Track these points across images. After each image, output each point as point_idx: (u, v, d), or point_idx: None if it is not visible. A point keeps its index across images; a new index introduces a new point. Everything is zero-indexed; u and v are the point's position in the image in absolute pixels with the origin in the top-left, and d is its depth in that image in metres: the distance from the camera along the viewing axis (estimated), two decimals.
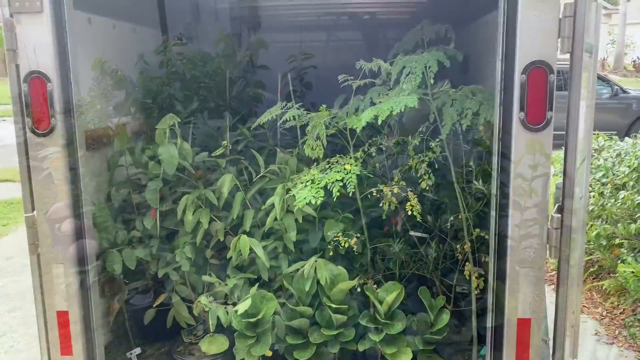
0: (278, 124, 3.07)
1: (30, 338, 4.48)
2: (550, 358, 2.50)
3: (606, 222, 5.32)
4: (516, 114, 2.25)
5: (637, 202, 4.79)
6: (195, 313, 2.88)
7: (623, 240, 5.04)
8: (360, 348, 2.72)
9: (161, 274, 2.90)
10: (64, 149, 2.42)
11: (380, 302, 2.66)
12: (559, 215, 2.33)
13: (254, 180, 2.99)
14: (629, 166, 5.12)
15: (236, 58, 3.68)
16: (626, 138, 6.22)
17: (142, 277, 3.14)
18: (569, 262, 2.40)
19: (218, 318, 2.72)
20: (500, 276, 2.39)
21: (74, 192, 2.46)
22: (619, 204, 5.18)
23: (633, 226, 4.86)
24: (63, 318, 2.56)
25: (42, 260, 2.50)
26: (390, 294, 2.68)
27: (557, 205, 2.39)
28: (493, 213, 2.38)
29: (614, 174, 5.50)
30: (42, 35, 2.34)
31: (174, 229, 2.97)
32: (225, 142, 3.33)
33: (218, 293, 2.94)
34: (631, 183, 5.07)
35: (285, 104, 2.78)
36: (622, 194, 5.04)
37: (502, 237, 2.36)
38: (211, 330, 2.75)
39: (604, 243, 5.26)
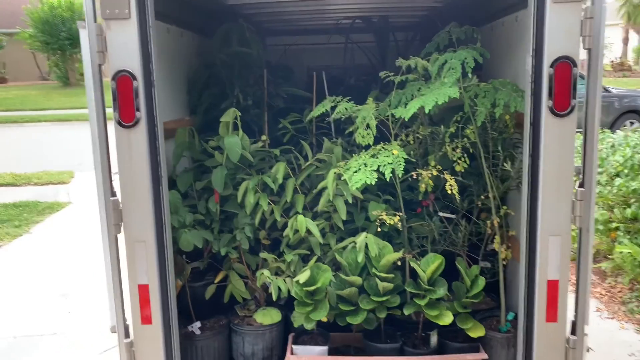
0: (310, 117, 3.42)
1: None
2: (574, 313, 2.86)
3: (602, 208, 5.75)
4: (545, 102, 2.62)
5: (632, 188, 5.22)
6: (258, 285, 3.20)
7: (619, 224, 5.47)
8: (406, 312, 3.07)
9: (223, 252, 3.21)
10: (147, 139, 2.74)
11: (424, 271, 3.02)
12: (582, 189, 2.71)
13: (303, 167, 3.33)
14: (623, 156, 5.56)
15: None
16: (618, 131, 6.67)
17: (200, 257, 3.46)
18: (589, 231, 2.78)
19: (279, 289, 3.05)
20: (532, 244, 2.75)
21: (154, 176, 2.77)
22: (614, 191, 5.61)
23: (629, 211, 5.29)
24: (144, 291, 2.86)
25: (127, 238, 2.80)
26: (432, 264, 3.04)
27: (578, 181, 2.77)
28: (525, 189, 2.74)
29: (608, 164, 5.93)
30: (129, 38, 2.65)
31: (233, 212, 3.29)
32: (264, 136, 3.67)
33: (273, 269, 3.27)
34: (625, 171, 5.50)
35: (334, 98, 3.12)
36: (617, 181, 5.47)
37: (533, 210, 2.73)
38: (274, 299, 3.07)
39: (601, 228, 5.68)
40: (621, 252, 5.18)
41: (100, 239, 3.18)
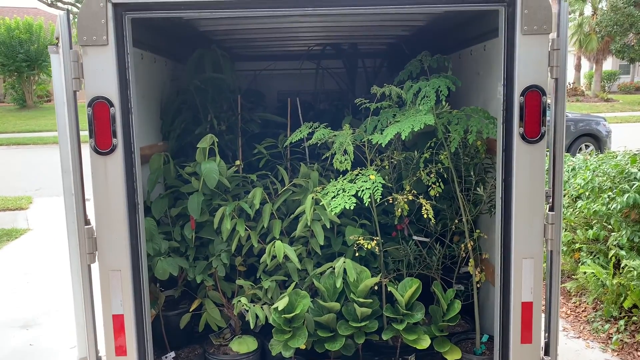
0: (288, 142, 3.45)
1: None
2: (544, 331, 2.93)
3: (565, 229, 5.93)
4: (516, 129, 2.72)
5: (593, 210, 5.40)
6: (235, 313, 3.16)
7: (582, 245, 5.65)
8: (385, 337, 3.09)
9: (199, 280, 3.17)
10: (123, 166, 2.70)
11: (402, 296, 3.04)
12: (553, 213, 2.81)
13: (280, 192, 3.33)
14: (584, 179, 5.76)
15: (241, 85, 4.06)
16: (578, 155, 6.91)
17: (175, 285, 3.40)
18: (559, 253, 2.88)
19: (256, 317, 3.02)
20: (506, 267, 2.83)
21: (130, 203, 2.72)
22: (576, 213, 5.80)
23: (590, 232, 5.46)
24: (119, 321, 2.79)
25: (101, 268, 2.74)
26: (409, 289, 3.07)
27: (547, 205, 2.87)
28: (498, 214, 2.82)
29: (570, 187, 6.13)
30: (107, 65, 2.63)
31: (209, 238, 3.26)
32: (238, 161, 3.67)
33: (249, 296, 3.24)
34: (587, 194, 5.70)
35: (312, 124, 3.16)
36: (579, 203, 5.65)
37: (506, 233, 2.80)
38: (251, 327, 3.04)
39: (565, 248, 5.85)
40: (585, 273, 5.33)
41: (66, 267, 3.11)
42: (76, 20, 2.67)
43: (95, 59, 2.63)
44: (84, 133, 2.62)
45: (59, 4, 26.75)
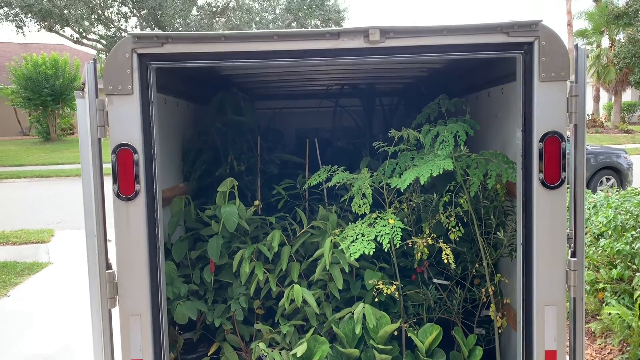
0: (306, 185, 3.48)
1: None
2: None
3: (588, 268, 5.82)
4: (536, 175, 2.71)
5: (616, 249, 5.30)
6: (252, 358, 3.14)
7: (606, 285, 5.53)
8: None
9: (217, 323, 3.16)
10: (145, 211, 2.74)
11: (422, 342, 3.00)
12: (575, 259, 2.77)
13: (298, 234, 3.34)
14: (606, 217, 5.68)
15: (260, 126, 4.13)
16: (599, 191, 6.82)
17: (193, 328, 3.40)
18: (582, 299, 2.82)
19: None
20: (528, 314, 2.78)
21: (152, 248, 2.75)
22: (599, 252, 5.70)
23: (614, 271, 5.35)
24: None
25: (121, 312, 2.76)
26: (429, 335, 3.03)
27: (569, 250, 2.83)
28: (520, 260, 2.79)
29: (591, 224, 6.04)
30: (131, 113, 2.70)
31: (228, 281, 3.26)
32: (257, 201, 3.70)
33: (267, 340, 3.22)
34: (609, 232, 5.61)
35: (330, 168, 3.19)
36: (602, 242, 5.56)
37: (528, 280, 2.77)
38: None
39: (588, 288, 5.73)
40: (610, 314, 5.20)
41: (87, 303, 3.13)
42: (102, 66, 2.76)
43: (120, 107, 2.70)
44: (107, 165, 2.67)
45: (85, 41, 27.58)
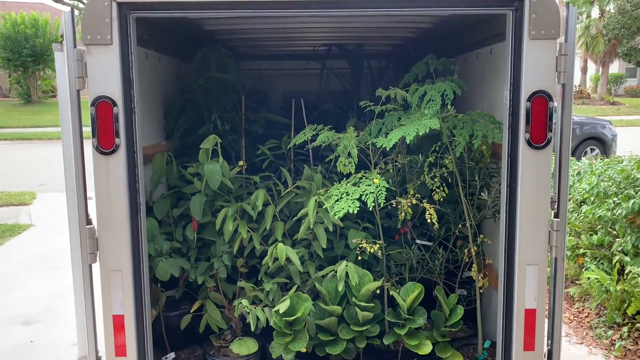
0: (291, 145, 3.43)
1: None
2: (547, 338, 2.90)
3: (570, 234, 5.89)
4: (522, 135, 2.69)
5: (597, 215, 5.36)
6: (235, 314, 3.14)
7: (586, 250, 5.61)
8: (386, 342, 3.06)
9: (200, 281, 3.15)
10: (126, 166, 2.68)
11: (404, 300, 3.02)
12: (558, 219, 2.78)
13: (283, 194, 3.31)
14: (589, 184, 5.72)
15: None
16: (583, 158, 6.86)
17: (175, 286, 3.38)
18: (563, 260, 2.85)
19: (257, 319, 3.00)
20: (510, 273, 2.80)
21: (133, 204, 2.71)
22: (581, 218, 5.76)
23: (595, 237, 5.42)
24: (119, 321, 2.78)
25: (102, 268, 2.73)
26: (411, 293, 3.05)
27: (553, 211, 2.84)
28: (503, 220, 2.79)
29: (574, 191, 6.10)
30: (111, 64, 2.62)
31: (211, 239, 3.24)
32: (241, 161, 3.65)
33: (250, 297, 3.22)
34: (592, 199, 5.66)
35: (316, 127, 3.14)
36: (584, 208, 5.62)
37: (511, 240, 2.78)
38: (252, 329, 3.02)
39: (569, 254, 5.81)
40: (589, 278, 5.29)
41: (69, 264, 3.09)
42: (81, 18, 2.65)
43: (99, 58, 2.61)
44: (87, 129, 2.61)
45: (65, 0, 26.80)
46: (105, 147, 2.66)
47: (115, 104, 2.64)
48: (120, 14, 2.59)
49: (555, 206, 2.83)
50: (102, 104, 2.63)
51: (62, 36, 2.83)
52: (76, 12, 2.68)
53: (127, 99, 2.66)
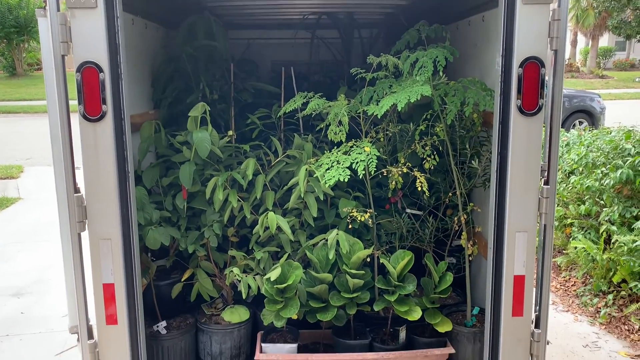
0: (281, 112, 3.40)
1: None
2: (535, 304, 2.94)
3: (558, 204, 5.94)
4: (514, 102, 2.68)
5: (585, 185, 5.41)
6: (227, 283, 3.15)
7: (574, 220, 5.67)
8: (376, 308, 3.09)
9: (191, 250, 3.14)
10: (113, 133, 2.64)
11: (394, 268, 3.04)
12: (548, 187, 2.79)
13: (273, 163, 3.29)
14: (577, 154, 5.75)
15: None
16: (572, 130, 6.89)
17: (166, 255, 3.38)
18: (552, 227, 2.87)
19: (249, 287, 3.01)
20: (499, 240, 2.81)
21: (121, 172, 2.67)
22: (569, 188, 5.81)
23: (583, 207, 5.48)
24: (109, 290, 2.77)
25: (91, 236, 2.71)
26: (401, 261, 3.06)
27: (542, 178, 2.85)
28: (493, 187, 2.79)
29: (563, 162, 6.13)
30: (96, 28, 2.55)
31: (201, 208, 3.22)
32: (231, 131, 3.62)
33: (242, 266, 3.22)
34: (580, 169, 5.70)
35: (306, 94, 3.10)
36: (572, 178, 5.66)
37: (500, 207, 2.78)
38: (244, 297, 3.03)
39: (556, 224, 5.87)
40: (575, 248, 5.36)
41: (58, 236, 3.07)
42: None
43: (83, 22, 2.54)
44: (73, 102, 2.56)
45: None
46: (91, 114, 2.61)
47: (101, 70, 2.58)
48: None
49: (545, 174, 2.84)
50: (88, 70, 2.58)
51: (44, 1, 2.76)
52: None
53: (113, 65, 2.60)
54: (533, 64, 2.65)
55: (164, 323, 3.31)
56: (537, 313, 2.97)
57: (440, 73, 2.92)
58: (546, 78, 2.74)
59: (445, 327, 3.15)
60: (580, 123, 12.58)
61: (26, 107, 19.81)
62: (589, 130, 7.28)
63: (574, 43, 33.56)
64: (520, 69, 2.65)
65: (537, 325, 2.94)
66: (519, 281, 2.83)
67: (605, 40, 35.21)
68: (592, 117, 12.56)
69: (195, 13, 3.95)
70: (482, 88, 2.98)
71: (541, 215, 2.80)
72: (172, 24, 4.06)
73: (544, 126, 2.79)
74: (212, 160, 3.25)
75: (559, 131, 2.83)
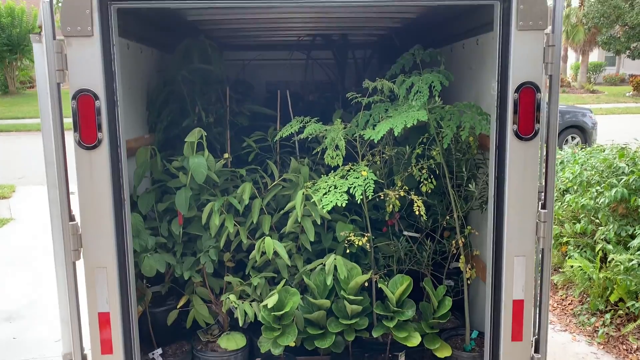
0: (278, 137, 3.39)
1: None
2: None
3: (554, 223, 5.95)
4: (510, 127, 2.69)
5: (581, 204, 5.42)
6: (223, 310, 3.11)
7: (569, 239, 5.67)
8: (375, 334, 3.06)
9: (186, 276, 3.11)
10: (109, 160, 2.62)
11: (392, 293, 3.02)
12: (545, 210, 2.79)
13: (269, 187, 3.28)
14: (572, 173, 5.77)
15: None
16: (565, 148, 6.93)
17: (161, 281, 3.34)
18: (550, 250, 2.87)
19: (245, 314, 2.97)
20: (498, 264, 2.81)
21: (116, 199, 2.65)
22: (564, 206, 5.82)
23: (578, 226, 5.49)
24: (105, 319, 2.73)
25: (86, 265, 2.67)
26: (400, 286, 3.04)
27: (539, 202, 2.85)
28: (491, 211, 2.79)
29: (557, 180, 6.15)
30: (92, 56, 2.54)
31: (197, 234, 3.20)
32: (226, 154, 3.60)
33: (238, 292, 3.19)
34: (575, 187, 5.72)
35: (303, 119, 3.10)
36: (567, 197, 5.67)
37: (498, 231, 2.78)
38: (240, 324, 2.99)
39: (552, 242, 5.87)
40: (572, 266, 5.36)
41: (51, 259, 3.03)
42: (60, 7, 2.57)
43: (79, 50, 2.54)
44: (68, 120, 2.54)
45: None
46: (87, 142, 2.60)
47: (97, 97, 2.57)
48: (100, 5, 2.52)
49: (542, 197, 2.84)
50: (84, 98, 2.57)
51: (40, 27, 2.75)
52: (54, 0, 2.57)
53: (109, 92, 2.60)
54: (529, 89, 2.66)
55: (159, 350, 3.26)
56: (536, 337, 2.96)
57: (436, 98, 2.93)
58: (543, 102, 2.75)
59: (444, 352, 3.12)
60: (573, 139, 12.65)
61: (19, 125, 19.74)
62: (582, 147, 7.32)
63: (565, 58, 33.93)
64: (516, 94, 2.66)
65: (536, 350, 2.93)
66: (518, 305, 2.82)
67: (596, 55, 35.65)
68: (584, 132, 12.63)
69: (190, 36, 3.96)
70: (477, 112, 2.99)
71: (539, 239, 2.80)
72: (168, 48, 4.06)
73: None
74: (208, 185, 3.24)
75: (556, 155, 2.84)
